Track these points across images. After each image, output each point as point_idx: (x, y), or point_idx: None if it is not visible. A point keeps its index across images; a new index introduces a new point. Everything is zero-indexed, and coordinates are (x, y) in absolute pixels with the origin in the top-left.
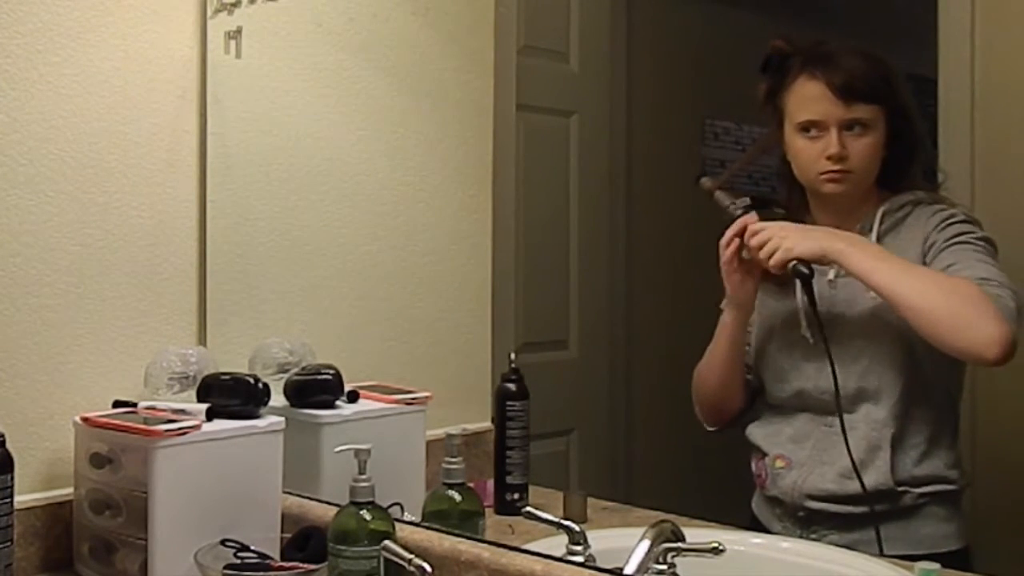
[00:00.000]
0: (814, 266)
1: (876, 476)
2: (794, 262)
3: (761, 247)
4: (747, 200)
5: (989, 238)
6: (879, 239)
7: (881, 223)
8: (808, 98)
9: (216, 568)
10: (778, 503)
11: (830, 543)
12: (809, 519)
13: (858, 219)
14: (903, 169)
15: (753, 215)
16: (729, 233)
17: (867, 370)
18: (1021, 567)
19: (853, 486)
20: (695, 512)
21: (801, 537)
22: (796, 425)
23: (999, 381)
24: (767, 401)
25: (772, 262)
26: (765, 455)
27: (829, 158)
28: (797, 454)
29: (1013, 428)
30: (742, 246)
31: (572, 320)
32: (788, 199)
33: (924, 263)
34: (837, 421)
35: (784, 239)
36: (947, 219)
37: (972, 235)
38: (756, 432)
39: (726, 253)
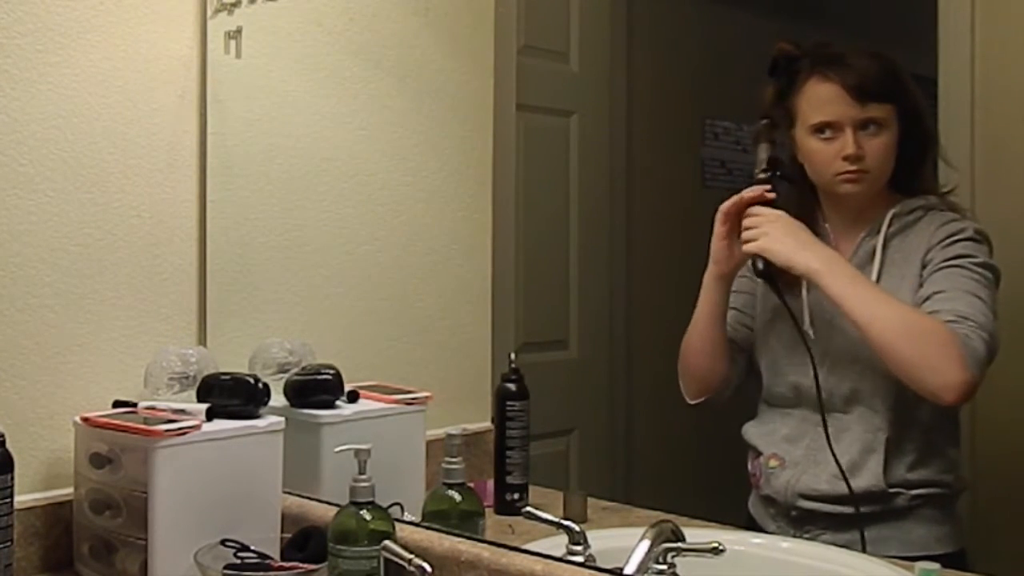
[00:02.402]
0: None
1: (868, 478)
2: (759, 258)
3: (747, 228)
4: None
5: (991, 264)
6: (886, 241)
7: (890, 225)
8: (822, 100)
9: (216, 568)
10: (772, 502)
11: (823, 543)
12: (802, 519)
13: (869, 220)
14: (915, 169)
15: (761, 190)
16: (745, 194)
17: (862, 373)
18: (1021, 570)
19: (845, 487)
20: (695, 512)
21: (794, 537)
22: (791, 424)
23: (999, 384)
24: (764, 399)
25: (745, 247)
26: (760, 454)
27: (846, 158)
28: (791, 454)
29: (1013, 431)
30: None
31: (572, 320)
32: (799, 200)
33: (921, 276)
34: (832, 421)
35: (767, 234)
36: (953, 235)
37: (972, 260)
38: (752, 431)
39: (725, 205)
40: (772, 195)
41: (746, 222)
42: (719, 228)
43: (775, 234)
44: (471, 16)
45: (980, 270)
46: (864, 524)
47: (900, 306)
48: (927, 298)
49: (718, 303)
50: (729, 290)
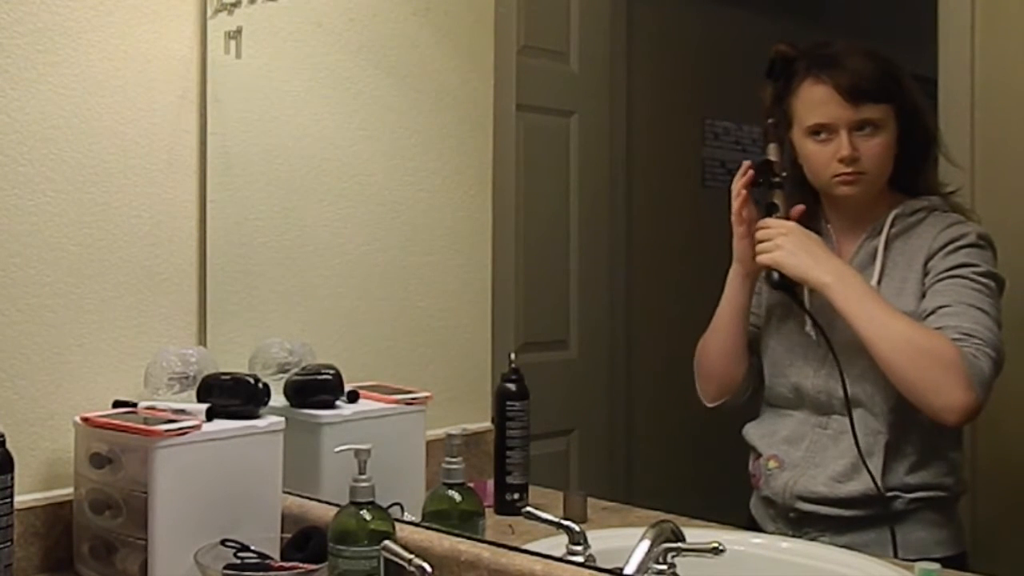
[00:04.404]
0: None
1: (866, 481)
2: (774, 270)
3: (760, 241)
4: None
5: (994, 273)
6: (888, 243)
7: (892, 226)
8: (816, 102)
9: (216, 568)
10: (771, 504)
11: (822, 544)
12: (800, 521)
13: (871, 221)
14: (916, 168)
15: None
16: (737, 184)
17: (862, 376)
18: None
19: (843, 489)
20: (695, 512)
21: (793, 538)
22: (791, 426)
23: (1001, 386)
24: (765, 398)
25: (758, 259)
26: (760, 455)
27: (841, 160)
28: (790, 455)
29: (1016, 434)
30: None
31: (572, 320)
32: (801, 202)
33: (923, 282)
34: (832, 423)
35: (780, 247)
36: (955, 240)
37: (975, 269)
38: (752, 432)
39: (735, 206)
40: (750, 171)
41: (759, 234)
42: (737, 229)
43: (788, 247)
44: (471, 16)
45: (983, 280)
46: (863, 527)
47: (908, 325)
48: (931, 312)
49: (743, 303)
50: (754, 290)
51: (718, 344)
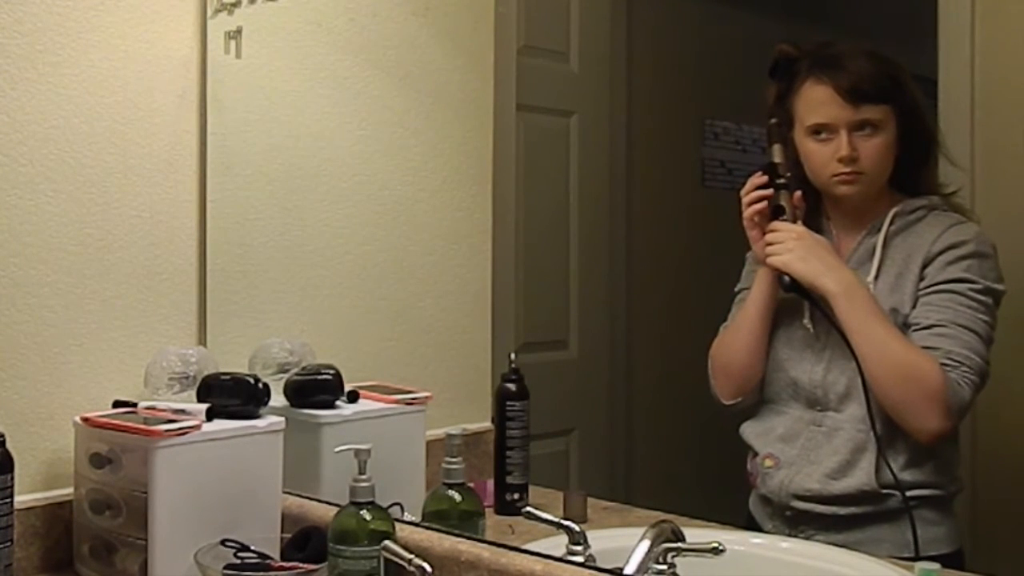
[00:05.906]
0: None
1: (860, 477)
2: (786, 274)
3: (769, 244)
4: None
5: (992, 288)
6: (887, 240)
7: (891, 224)
8: (816, 102)
9: (216, 568)
10: (768, 502)
11: (820, 543)
12: (796, 519)
13: (871, 219)
14: (917, 168)
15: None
16: (745, 199)
17: (857, 371)
18: (1022, 570)
19: (837, 486)
20: (695, 512)
21: (789, 536)
22: (787, 423)
23: (1001, 384)
24: (763, 395)
25: (768, 260)
26: (757, 454)
27: (840, 160)
28: (786, 453)
29: (1015, 432)
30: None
31: (572, 320)
32: (802, 200)
33: (919, 286)
34: (826, 420)
35: (791, 251)
36: (955, 247)
37: (973, 286)
38: (749, 430)
39: (746, 214)
40: (764, 178)
41: (768, 236)
42: (751, 233)
43: (798, 252)
44: (471, 16)
45: (980, 297)
46: (858, 525)
47: (901, 346)
48: (924, 327)
49: (770, 302)
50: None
51: (742, 342)
